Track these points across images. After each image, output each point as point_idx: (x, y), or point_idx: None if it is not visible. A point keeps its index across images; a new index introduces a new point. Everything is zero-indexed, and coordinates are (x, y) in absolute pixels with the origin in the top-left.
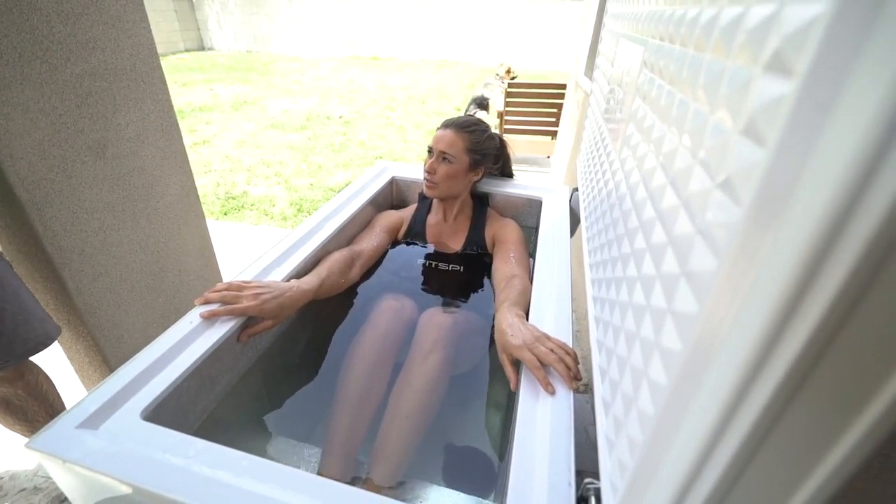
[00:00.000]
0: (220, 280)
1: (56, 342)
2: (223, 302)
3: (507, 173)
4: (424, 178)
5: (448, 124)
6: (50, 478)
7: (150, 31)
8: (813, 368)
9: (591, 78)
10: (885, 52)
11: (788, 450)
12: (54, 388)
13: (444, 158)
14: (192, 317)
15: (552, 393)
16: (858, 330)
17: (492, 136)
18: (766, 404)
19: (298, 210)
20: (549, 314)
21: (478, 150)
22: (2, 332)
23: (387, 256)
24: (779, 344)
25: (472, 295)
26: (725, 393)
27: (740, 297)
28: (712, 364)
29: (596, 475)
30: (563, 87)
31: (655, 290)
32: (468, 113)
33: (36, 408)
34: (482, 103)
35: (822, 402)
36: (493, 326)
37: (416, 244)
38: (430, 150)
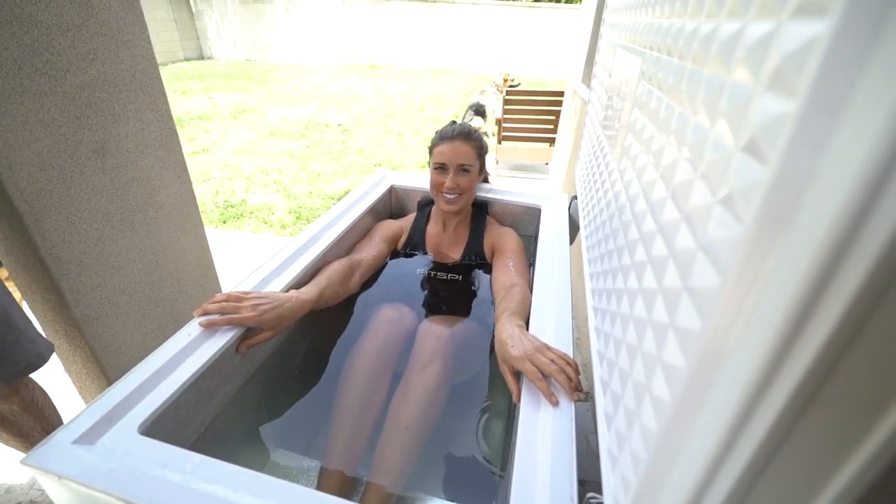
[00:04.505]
0: (219, 289)
1: (54, 353)
2: (222, 313)
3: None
4: (445, 197)
5: (454, 136)
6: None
7: (149, 42)
8: (818, 390)
9: (588, 86)
10: (887, 72)
11: (796, 471)
12: (50, 402)
13: (464, 170)
14: (191, 328)
15: (556, 404)
16: (862, 354)
17: (483, 135)
18: (772, 426)
19: (297, 218)
20: (549, 323)
21: (482, 154)
22: None
23: (386, 266)
24: (784, 366)
25: (471, 304)
26: (729, 413)
27: (744, 316)
28: (716, 383)
29: (598, 485)
30: (561, 94)
31: (657, 304)
32: (466, 120)
33: (31, 423)
34: (479, 110)
35: (830, 421)
36: (492, 336)
37: (416, 254)
38: (443, 167)
